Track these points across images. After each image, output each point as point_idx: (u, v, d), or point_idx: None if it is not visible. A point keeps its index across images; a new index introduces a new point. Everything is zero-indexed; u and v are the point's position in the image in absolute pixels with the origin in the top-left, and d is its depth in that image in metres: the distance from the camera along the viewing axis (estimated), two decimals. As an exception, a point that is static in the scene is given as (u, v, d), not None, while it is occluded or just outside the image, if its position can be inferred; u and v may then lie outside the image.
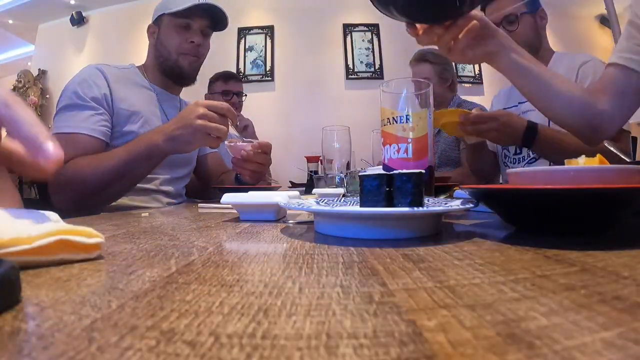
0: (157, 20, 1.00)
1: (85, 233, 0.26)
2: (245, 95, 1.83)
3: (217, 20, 1.02)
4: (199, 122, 0.75)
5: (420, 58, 1.48)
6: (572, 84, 0.75)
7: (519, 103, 1.19)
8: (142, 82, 1.01)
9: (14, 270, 0.16)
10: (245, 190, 0.57)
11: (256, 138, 1.89)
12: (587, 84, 1.00)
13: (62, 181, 0.79)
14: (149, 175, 0.95)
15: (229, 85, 1.75)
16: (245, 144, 0.91)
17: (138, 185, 0.93)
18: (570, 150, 0.78)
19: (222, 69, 1.82)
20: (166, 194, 1.01)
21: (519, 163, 1.14)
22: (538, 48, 1.12)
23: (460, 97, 1.52)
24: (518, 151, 1.14)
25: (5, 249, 0.23)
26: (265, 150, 0.93)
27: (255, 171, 0.95)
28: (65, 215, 0.34)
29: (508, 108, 1.22)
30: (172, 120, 0.80)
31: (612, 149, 0.64)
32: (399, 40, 3.06)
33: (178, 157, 1.03)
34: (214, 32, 1.05)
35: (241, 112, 1.84)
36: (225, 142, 0.95)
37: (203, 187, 1.21)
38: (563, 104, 0.70)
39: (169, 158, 0.99)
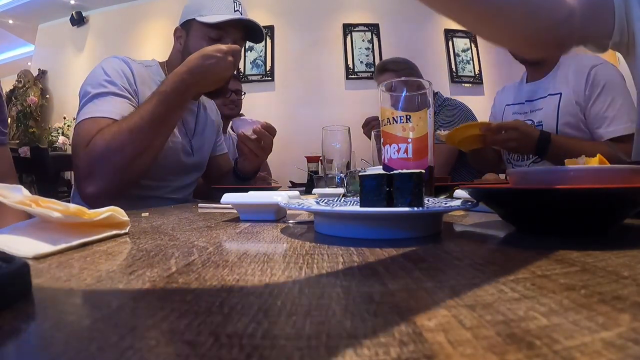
0: (186, 24, 0.93)
1: (119, 211, 0.36)
2: (244, 93, 1.83)
3: (251, 31, 0.95)
4: (230, 72, 0.79)
5: (383, 68, 1.50)
6: None
7: (526, 101, 1.18)
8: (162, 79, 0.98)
9: (26, 267, 0.18)
10: (245, 190, 0.57)
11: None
12: (599, 89, 1.00)
13: (94, 157, 0.72)
14: (160, 183, 0.93)
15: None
16: (253, 121, 0.91)
17: (147, 193, 0.92)
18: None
19: (222, 69, 1.82)
20: (174, 201, 0.99)
21: (522, 161, 1.14)
22: None
23: (443, 95, 1.55)
24: None
25: (76, 219, 0.31)
26: (271, 132, 0.92)
27: (256, 154, 0.95)
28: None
29: (515, 105, 1.22)
30: (196, 63, 0.77)
31: (612, 149, 0.64)
32: (399, 40, 3.07)
33: (192, 163, 1.01)
34: None
35: (241, 112, 1.84)
36: (232, 122, 0.94)
37: (209, 187, 1.20)
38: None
39: (183, 164, 0.97)
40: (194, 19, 0.90)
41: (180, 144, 0.95)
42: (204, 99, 1.07)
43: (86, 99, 0.79)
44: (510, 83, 1.34)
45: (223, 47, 0.79)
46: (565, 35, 0.55)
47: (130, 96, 0.82)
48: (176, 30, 0.96)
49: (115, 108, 0.77)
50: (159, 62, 0.97)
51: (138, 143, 0.73)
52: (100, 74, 0.82)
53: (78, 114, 0.80)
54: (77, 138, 0.76)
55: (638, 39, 0.59)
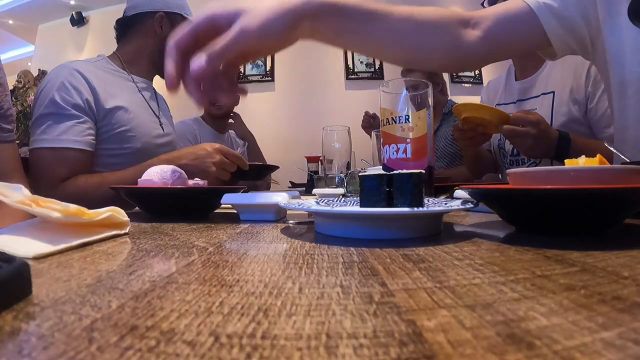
0: (170, 15, 1.01)
1: (119, 212, 0.37)
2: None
3: None
4: (214, 169, 0.78)
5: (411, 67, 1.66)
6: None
7: (517, 100, 1.12)
8: (117, 71, 0.99)
9: (26, 267, 0.18)
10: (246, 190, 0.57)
11: (248, 131, 1.86)
12: (602, 86, 0.94)
13: (62, 196, 0.78)
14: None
15: None
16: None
17: None
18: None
19: (221, 69, 1.80)
20: None
21: (517, 165, 1.10)
22: None
23: (453, 100, 1.59)
24: (516, 152, 1.10)
25: (76, 219, 0.31)
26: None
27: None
28: None
29: (507, 104, 1.16)
30: (185, 153, 0.80)
31: (612, 149, 0.64)
32: (399, 41, 3.06)
33: (165, 142, 1.03)
34: None
35: (235, 111, 1.80)
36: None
37: None
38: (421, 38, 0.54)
39: (157, 145, 0.99)
40: (180, 13, 1.04)
41: (151, 123, 0.99)
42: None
43: (35, 116, 0.82)
44: (497, 75, 1.30)
45: (210, 146, 0.81)
46: (468, 52, 0.56)
47: (77, 113, 0.82)
48: (158, 16, 1.06)
49: (70, 135, 0.81)
50: (106, 56, 1.05)
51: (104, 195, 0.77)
52: (48, 91, 0.82)
53: (33, 133, 0.82)
54: (39, 168, 0.80)
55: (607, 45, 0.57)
